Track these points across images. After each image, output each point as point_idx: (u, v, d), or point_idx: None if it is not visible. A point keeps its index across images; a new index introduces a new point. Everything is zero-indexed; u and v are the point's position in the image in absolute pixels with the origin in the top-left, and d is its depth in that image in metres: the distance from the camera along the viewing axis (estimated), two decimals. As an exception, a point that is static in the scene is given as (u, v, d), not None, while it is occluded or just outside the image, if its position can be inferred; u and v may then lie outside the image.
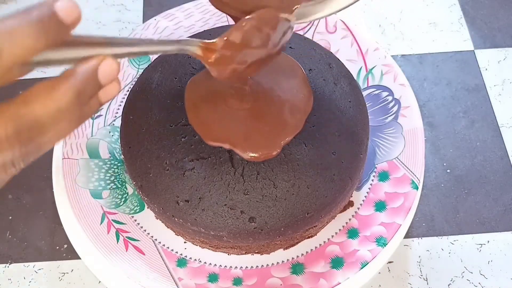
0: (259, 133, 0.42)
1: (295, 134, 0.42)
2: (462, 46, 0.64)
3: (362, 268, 0.44)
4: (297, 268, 0.46)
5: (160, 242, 0.48)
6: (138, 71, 0.55)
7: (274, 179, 0.41)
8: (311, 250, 0.47)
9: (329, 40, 0.56)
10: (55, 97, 0.26)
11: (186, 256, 0.47)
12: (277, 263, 0.47)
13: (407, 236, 0.51)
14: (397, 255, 0.50)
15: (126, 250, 0.46)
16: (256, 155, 0.41)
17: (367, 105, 0.48)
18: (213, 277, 0.46)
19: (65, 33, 0.26)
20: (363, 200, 0.49)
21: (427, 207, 0.53)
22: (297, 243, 0.47)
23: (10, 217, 0.53)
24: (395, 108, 0.52)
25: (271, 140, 0.42)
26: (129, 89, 0.52)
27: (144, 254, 0.47)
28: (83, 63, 0.27)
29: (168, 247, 0.48)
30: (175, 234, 0.48)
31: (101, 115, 0.53)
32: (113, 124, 0.52)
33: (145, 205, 0.49)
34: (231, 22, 0.57)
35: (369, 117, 0.48)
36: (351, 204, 0.48)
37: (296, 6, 0.36)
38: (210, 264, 0.47)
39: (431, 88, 0.61)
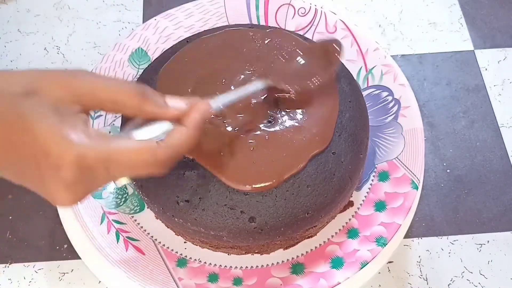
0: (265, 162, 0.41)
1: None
2: (462, 46, 0.64)
3: (362, 268, 0.44)
4: (297, 268, 0.46)
5: (160, 242, 0.48)
6: (138, 71, 0.55)
7: (274, 179, 0.41)
8: (311, 250, 0.47)
9: (329, 40, 0.56)
10: None
11: (186, 256, 0.47)
12: (277, 263, 0.47)
13: (407, 236, 0.51)
14: (397, 255, 0.50)
15: (126, 250, 0.46)
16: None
17: (367, 105, 0.48)
18: (213, 277, 0.46)
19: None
20: (363, 200, 0.49)
21: (427, 207, 0.53)
22: (297, 243, 0.47)
23: (10, 217, 0.53)
24: (395, 108, 0.52)
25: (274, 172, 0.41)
26: (129, 89, 0.52)
27: (144, 254, 0.47)
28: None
29: (168, 247, 0.48)
30: (175, 234, 0.48)
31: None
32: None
33: (145, 205, 0.49)
34: (231, 21, 0.57)
35: (369, 117, 0.48)
36: (351, 204, 0.48)
37: None
38: (210, 264, 0.47)
39: (431, 88, 0.61)
